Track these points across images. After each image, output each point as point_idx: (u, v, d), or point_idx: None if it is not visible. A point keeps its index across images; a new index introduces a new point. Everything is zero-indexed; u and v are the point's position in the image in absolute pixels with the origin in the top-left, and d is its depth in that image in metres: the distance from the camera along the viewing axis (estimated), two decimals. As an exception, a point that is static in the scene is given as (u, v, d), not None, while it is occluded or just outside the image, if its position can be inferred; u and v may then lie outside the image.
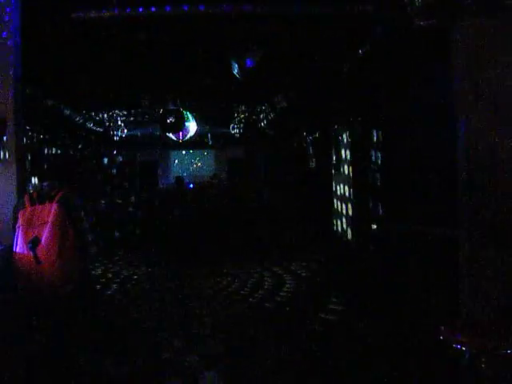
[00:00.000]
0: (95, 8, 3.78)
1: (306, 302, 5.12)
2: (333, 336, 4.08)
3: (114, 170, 12.92)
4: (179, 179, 8.32)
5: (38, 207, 2.69)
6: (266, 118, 9.98)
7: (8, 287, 2.83)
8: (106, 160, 12.22)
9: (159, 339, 4.05)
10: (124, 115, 10.08)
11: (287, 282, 5.98)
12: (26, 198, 2.78)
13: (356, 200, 6.32)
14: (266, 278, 6.19)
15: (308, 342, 3.96)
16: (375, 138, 5.68)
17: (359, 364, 3.47)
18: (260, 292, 5.57)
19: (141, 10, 3.67)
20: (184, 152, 16.96)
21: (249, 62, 4.85)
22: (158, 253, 7.61)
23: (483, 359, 2.35)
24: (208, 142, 14.23)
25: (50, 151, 8.57)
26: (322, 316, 4.53)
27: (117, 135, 11.16)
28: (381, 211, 5.30)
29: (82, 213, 2.78)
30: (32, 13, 3.65)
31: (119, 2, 3.67)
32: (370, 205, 5.73)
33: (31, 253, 2.58)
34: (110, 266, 7.13)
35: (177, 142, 10.57)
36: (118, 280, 6.29)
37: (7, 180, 3.26)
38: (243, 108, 9.63)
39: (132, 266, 7.13)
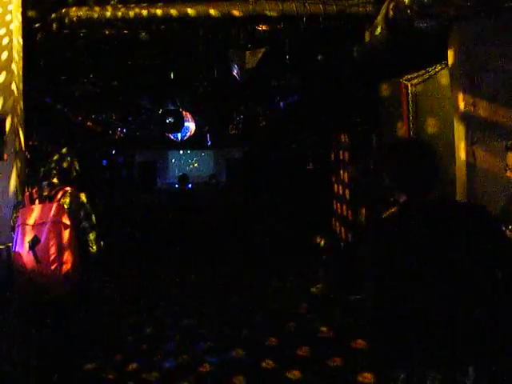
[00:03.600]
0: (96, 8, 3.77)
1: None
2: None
3: (114, 170, 12.88)
4: (183, 177, 7.76)
5: (38, 206, 2.68)
6: (265, 119, 9.98)
7: (7, 286, 2.82)
8: (105, 160, 12.18)
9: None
10: (123, 115, 10.06)
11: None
12: (26, 196, 2.77)
13: (355, 203, 6.32)
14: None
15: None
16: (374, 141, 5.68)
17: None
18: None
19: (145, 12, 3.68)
20: (181, 152, 16.81)
21: (249, 64, 4.84)
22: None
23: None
24: (206, 143, 14.15)
25: (49, 150, 8.55)
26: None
27: (115, 135, 11.13)
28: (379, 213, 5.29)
29: (82, 212, 2.77)
30: (32, 13, 3.66)
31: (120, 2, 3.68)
32: (369, 207, 5.73)
33: (30, 252, 2.58)
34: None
35: (175, 142, 10.54)
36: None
37: (7, 179, 3.26)
38: (242, 108, 9.61)
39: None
